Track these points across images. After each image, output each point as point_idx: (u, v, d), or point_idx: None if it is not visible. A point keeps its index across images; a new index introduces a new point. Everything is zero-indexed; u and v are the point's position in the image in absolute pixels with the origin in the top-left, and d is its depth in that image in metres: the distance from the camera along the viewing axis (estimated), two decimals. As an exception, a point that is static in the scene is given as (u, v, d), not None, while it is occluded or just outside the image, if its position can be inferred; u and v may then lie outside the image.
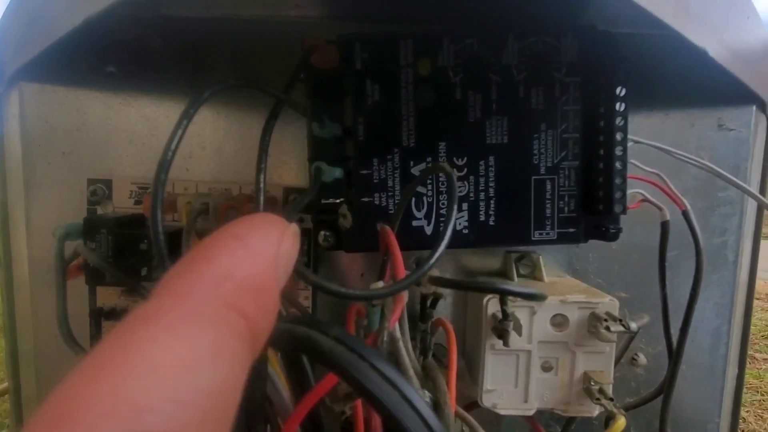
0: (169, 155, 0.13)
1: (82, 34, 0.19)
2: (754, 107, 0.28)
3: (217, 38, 0.26)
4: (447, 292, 0.28)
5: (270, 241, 0.11)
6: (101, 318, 0.26)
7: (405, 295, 0.16)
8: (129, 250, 0.23)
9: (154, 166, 0.27)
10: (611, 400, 0.22)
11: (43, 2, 0.21)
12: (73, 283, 0.25)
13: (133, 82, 0.26)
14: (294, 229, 0.12)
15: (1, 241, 0.31)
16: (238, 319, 0.09)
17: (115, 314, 0.25)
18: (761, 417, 1.63)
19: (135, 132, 0.27)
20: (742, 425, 1.60)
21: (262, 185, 0.17)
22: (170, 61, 0.26)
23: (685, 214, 0.24)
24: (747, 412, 1.68)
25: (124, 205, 0.26)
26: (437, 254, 0.15)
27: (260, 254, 0.11)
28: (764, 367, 1.94)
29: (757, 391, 1.78)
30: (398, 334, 0.16)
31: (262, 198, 0.17)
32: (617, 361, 0.26)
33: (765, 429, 1.55)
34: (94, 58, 0.26)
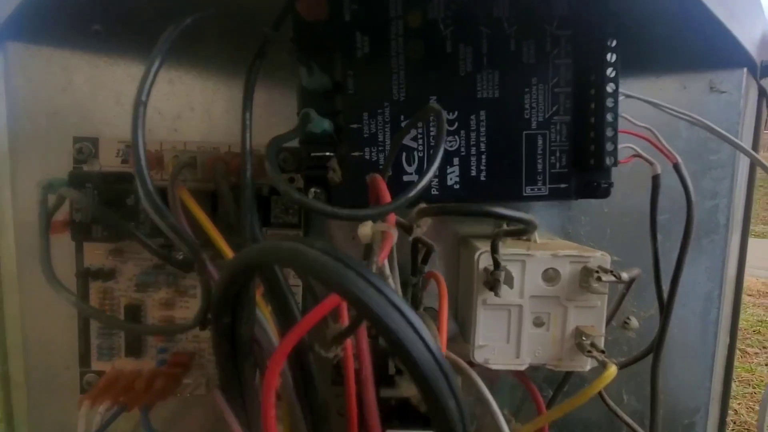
0: (145, 91, 0.13)
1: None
2: (745, 69, 0.28)
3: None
4: (438, 250, 0.28)
5: None
6: (88, 278, 0.25)
7: (394, 233, 0.16)
8: (115, 205, 0.23)
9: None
10: (602, 352, 0.22)
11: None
12: (58, 243, 0.25)
13: (119, 42, 0.26)
14: None
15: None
16: None
17: (102, 274, 0.25)
18: (753, 409, 1.65)
19: (122, 92, 0.26)
20: (734, 417, 1.61)
21: (248, 122, 0.17)
22: (156, 20, 0.26)
23: (676, 168, 0.24)
24: (739, 404, 1.69)
25: (112, 164, 0.25)
26: (427, 178, 0.14)
27: None
28: (756, 360, 1.96)
29: (749, 384, 1.80)
30: (388, 271, 0.16)
31: (248, 137, 0.16)
32: (609, 321, 0.26)
33: (756, 421, 1.56)
34: (79, 17, 0.25)
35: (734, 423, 1.58)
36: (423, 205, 0.17)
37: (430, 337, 0.11)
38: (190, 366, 0.26)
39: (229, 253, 0.17)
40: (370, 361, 0.19)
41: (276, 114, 0.27)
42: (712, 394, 0.32)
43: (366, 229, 0.16)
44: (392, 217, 0.15)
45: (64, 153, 0.26)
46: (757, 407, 1.66)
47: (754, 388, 1.78)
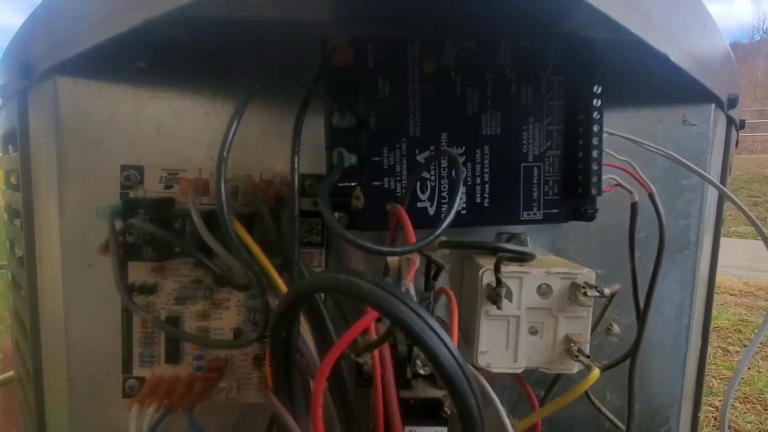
0: (226, 146, 0.16)
1: (129, 34, 0.21)
2: (713, 105, 0.32)
3: (240, 37, 0.29)
4: (446, 265, 0.31)
5: None
6: (133, 293, 0.28)
7: (417, 259, 0.19)
8: (164, 229, 0.26)
9: (181, 155, 0.30)
10: (588, 357, 0.26)
11: (87, 4, 0.24)
12: (103, 261, 0.28)
13: (162, 77, 0.29)
14: None
15: (25, 229, 0.33)
16: None
17: (146, 289, 0.28)
18: (733, 406, 1.72)
19: (163, 123, 0.29)
20: (715, 413, 1.68)
21: (296, 165, 0.20)
22: (196, 58, 0.29)
23: (651, 196, 0.27)
24: (720, 401, 1.76)
25: (155, 190, 0.28)
26: (450, 217, 0.18)
27: None
28: (737, 359, 2.04)
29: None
30: (413, 291, 0.19)
31: (297, 177, 0.19)
32: (594, 328, 0.30)
33: (736, 417, 1.63)
34: (124, 55, 0.28)
35: (715, 419, 1.64)
36: (444, 239, 0.21)
37: (457, 350, 0.15)
38: (224, 371, 0.29)
39: (279, 280, 0.20)
40: (392, 368, 0.22)
41: (302, 143, 0.30)
42: (685, 391, 0.36)
43: (394, 258, 0.19)
44: (416, 257, 0.19)
45: (108, 178, 0.29)
46: (737, 404, 1.73)
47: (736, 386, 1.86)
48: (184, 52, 0.28)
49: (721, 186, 0.28)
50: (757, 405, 1.74)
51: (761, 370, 1.94)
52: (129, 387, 0.29)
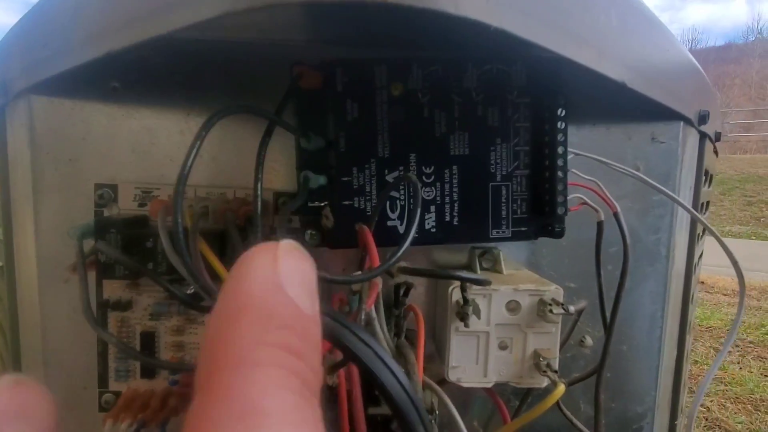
0: (185, 170, 0.17)
1: (95, 62, 0.22)
2: (681, 123, 0.32)
3: (212, 58, 0.29)
4: (419, 283, 0.32)
5: (264, 268, 0.10)
6: (107, 309, 0.28)
7: (379, 282, 0.20)
8: (136, 248, 0.26)
9: (155, 172, 0.31)
10: (555, 372, 0.26)
11: (61, 28, 0.24)
12: (76, 278, 0.28)
13: (135, 96, 0.29)
14: (285, 246, 0.11)
15: (4, 241, 0.33)
16: (281, 353, 0.09)
17: (120, 305, 0.28)
18: (724, 406, 1.73)
19: (137, 141, 0.30)
20: (705, 414, 1.69)
21: (259, 192, 0.20)
22: (169, 78, 0.29)
23: (615, 216, 0.28)
24: (711, 401, 1.78)
25: (129, 208, 0.28)
26: (404, 247, 0.18)
27: (260, 284, 0.10)
28: (728, 359, 2.06)
29: (721, 382, 1.89)
30: (374, 314, 0.20)
31: (259, 204, 0.20)
32: (565, 342, 0.30)
33: (727, 417, 1.65)
34: (99, 75, 0.28)
35: (706, 419, 1.66)
36: (403, 264, 0.21)
37: (407, 381, 0.15)
38: (199, 385, 0.29)
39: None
40: (359, 384, 0.23)
41: (275, 160, 0.31)
42: (658, 401, 0.37)
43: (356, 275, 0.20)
44: (377, 281, 0.19)
45: (83, 196, 0.29)
46: (728, 404, 1.75)
47: (726, 385, 1.87)
48: (158, 72, 0.29)
49: (685, 204, 0.29)
50: (748, 405, 1.76)
51: (752, 370, 1.96)
52: (105, 401, 0.30)
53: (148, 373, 0.29)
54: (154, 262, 0.26)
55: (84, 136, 0.29)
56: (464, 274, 0.20)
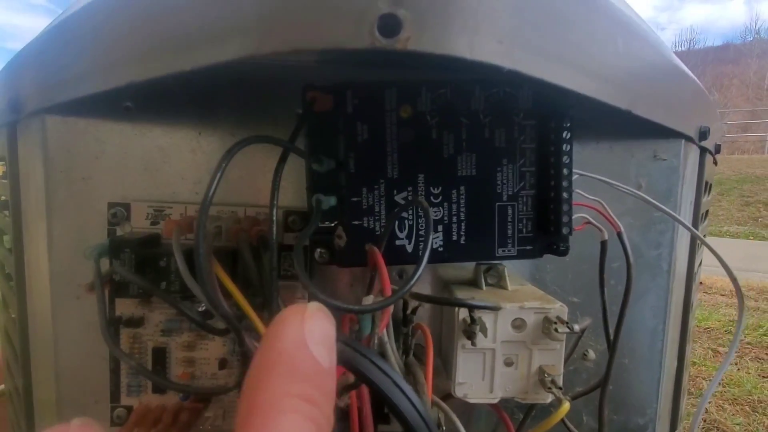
0: (208, 200, 0.17)
1: (114, 91, 0.22)
2: (683, 140, 0.33)
3: (224, 78, 0.30)
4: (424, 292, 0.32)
5: (293, 327, 0.13)
6: (120, 325, 0.29)
7: (391, 308, 0.20)
8: (149, 267, 0.26)
9: (167, 191, 0.31)
10: (560, 388, 0.27)
11: (80, 52, 0.25)
12: (88, 296, 0.29)
13: (148, 116, 0.30)
14: (312, 308, 0.14)
15: (15, 258, 0.34)
16: (302, 403, 0.12)
17: (133, 322, 0.29)
18: (722, 407, 1.74)
19: (150, 160, 0.30)
20: (704, 415, 1.70)
21: (275, 217, 0.21)
22: (182, 98, 0.30)
23: (619, 236, 0.29)
24: (709, 403, 1.78)
25: (141, 226, 0.29)
26: (417, 276, 0.19)
27: (289, 342, 0.13)
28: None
29: (719, 383, 1.90)
30: (386, 338, 0.20)
31: (274, 228, 0.20)
32: (569, 357, 0.31)
33: (725, 419, 1.66)
34: (112, 96, 0.29)
35: (704, 421, 1.66)
36: (416, 292, 0.22)
37: (422, 406, 0.16)
38: (210, 401, 0.30)
39: (258, 323, 0.21)
40: (370, 402, 0.23)
41: (285, 179, 0.31)
42: (659, 412, 0.37)
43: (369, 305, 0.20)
44: (389, 309, 0.20)
45: (96, 214, 0.30)
46: (726, 405, 1.76)
47: (724, 387, 1.88)
48: (171, 93, 0.29)
49: (686, 223, 0.29)
50: (746, 406, 1.77)
51: (750, 371, 1.97)
52: (117, 416, 0.30)
53: (159, 388, 0.30)
54: (167, 280, 0.26)
55: (97, 155, 0.30)
56: (476, 302, 0.21)
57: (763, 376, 1.92)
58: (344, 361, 0.15)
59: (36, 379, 0.34)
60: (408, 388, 0.16)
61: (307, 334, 0.13)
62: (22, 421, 0.36)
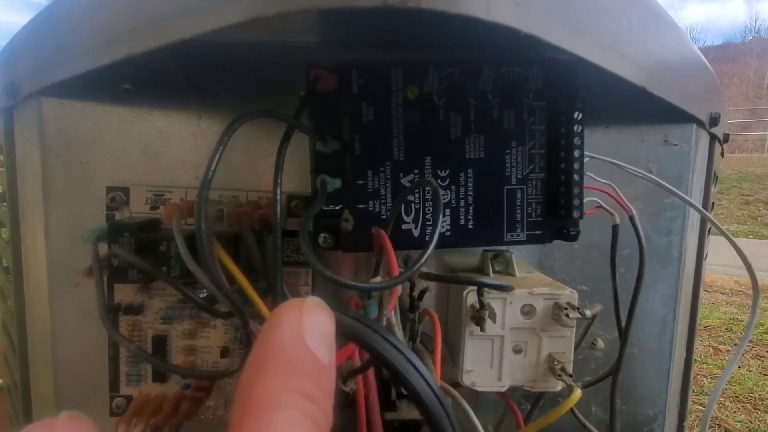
0: (209, 175, 0.16)
1: (112, 66, 0.21)
2: (695, 125, 0.32)
3: (224, 60, 0.29)
4: (431, 287, 0.32)
5: (291, 322, 0.13)
6: (119, 313, 0.28)
7: (399, 288, 0.20)
8: (149, 252, 0.26)
9: (166, 175, 0.30)
10: (570, 376, 0.26)
11: (76, 30, 0.24)
12: (87, 282, 0.28)
13: (147, 98, 0.29)
14: (310, 303, 0.13)
15: (11, 245, 0.33)
16: (300, 399, 0.11)
17: (132, 309, 0.28)
18: (723, 405, 1.74)
19: (149, 144, 0.29)
20: (705, 412, 1.70)
21: (278, 198, 0.20)
22: (181, 80, 0.29)
23: (631, 219, 0.28)
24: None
25: (141, 211, 0.28)
26: (426, 254, 0.18)
27: (287, 337, 0.12)
28: (727, 358, 2.06)
29: (720, 381, 1.89)
30: (394, 320, 0.20)
31: (279, 210, 0.20)
32: (578, 345, 0.30)
33: (726, 416, 1.65)
34: (111, 77, 0.28)
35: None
36: (425, 271, 0.21)
37: (436, 384, 0.15)
38: (211, 389, 0.29)
39: (263, 308, 0.20)
40: (376, 389, 0.23)
41: (288, 162, 0.30)
42: (669, 404, 0.36)
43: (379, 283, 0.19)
44: (397, 290, 0.19)
45: (94, 199, 0.29)
46: (728, 403, 1.75)
47: (726, 384, 1.88)
48: (170, 74, 0.28)
49: (700, 207, 0.29)
50: (747, 404, 1.76)
51: (751, 369, 1.96)
52: (116, 406, 0.29)
53: (159, 377, 0.29)
54: (167, 265, 0.26)
55: (95, 138, 0.29)
56: (486, 280, 0.20)
57: (764, 374, 1.91)
58: (356, 337, 0.15)
59: (34, 372, 0.33)
60: (421, 366, 0.15)
61: (305, 329, 0.13)
62: (20, 415, 0.35)
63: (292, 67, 0.26)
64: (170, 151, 0.29)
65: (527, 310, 0.27)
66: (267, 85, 0.30)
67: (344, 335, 0.15)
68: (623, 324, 0.29)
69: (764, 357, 2.07)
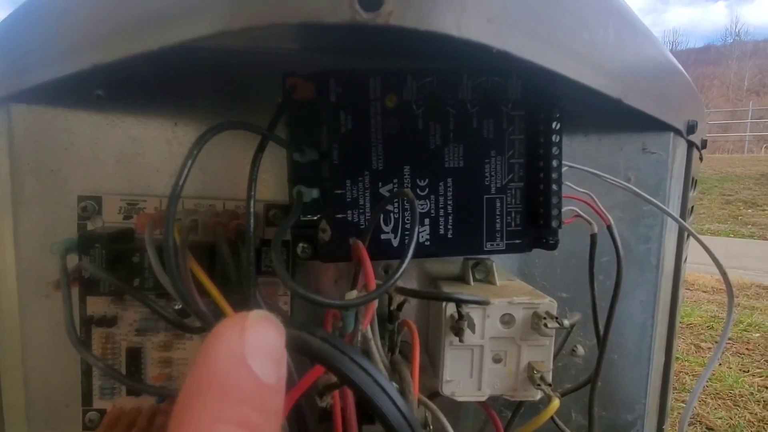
0: (177, 191, 0.16)
1: (79, 74, 0.21)
2: (672, 134, 0.33)
3: (200, 65, 0.28)
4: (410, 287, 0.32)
5: (230, 342, 0.11)
6: (92, 325, 0.28)
7: (375, 303, 0.19)
8: (122, 263, 0.25)
9: (140, 184, 0.30)
10: (549, 385, 0.26)
11: (43, 36, 0.23)
12: (58, 293, 0.27)
13: (120, 105, 0.28)
14: (254, 317, 0.12)
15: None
16: (235, 430, 0.10)
17: (105, 321, 0.27)
18: (704, 402, 1.77)
19: (122, 151, 0.29)
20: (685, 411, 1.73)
21: (251, 210, 0.20)
22: (156, 86, 0.28)
23: (609, 228, 0.28)
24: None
25: (113, 220, 0.28)
26: (402, 268, 0.18)
27: (224, 359, 0.11)
28: (708, 355, 2.11)
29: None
30: (370, 334, 0.19)
31: (251, 222, 0.19)
32: (558, 353, 0.30)
33: (707, 413, 1.68)
34: (83, 83, 0.27)
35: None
36: (400, 286, 0.21)
37: (406, 406, 0.15)
38: (187, 402, 0.28)
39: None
40: (354, 403, 0.22)
41: (266, 171, 0.30)
42: (648, 408, 0.37)
43: (352, 297, 0.19)
44: (373, 304, 0.19)
45: (66, 208, 0.28)
46: (708, 400, 1.79)
47: (707, 381, 1.91)
48: (144, 80, 0.28)
49: (677, 216, 0.29)
50: (728, 401, 1.80)
51: (731, 366, 2.01)
52: (89, 420, 0.29)
53: (134, 389, 0.28)
54: (140, 277, 0.25)
55: (66, 146, 0.28)
56: (464, 296, 0.20)
57: (744, 371, 1.96)
58: (322, 359, 0.14)
59: (4, 384, 0.32)
60: (391, 388, 0.15)
61: (246, 347, 0.11)
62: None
63: (271, 73, 0.26)
64: (144, 159, 0.29)
65: (507, 320, 0.27)
66: (243, 91, 0.29)
67: (310, 358, 0.14)
68: (602, 331, 0.29)
69: (744, 354, 2.12)
